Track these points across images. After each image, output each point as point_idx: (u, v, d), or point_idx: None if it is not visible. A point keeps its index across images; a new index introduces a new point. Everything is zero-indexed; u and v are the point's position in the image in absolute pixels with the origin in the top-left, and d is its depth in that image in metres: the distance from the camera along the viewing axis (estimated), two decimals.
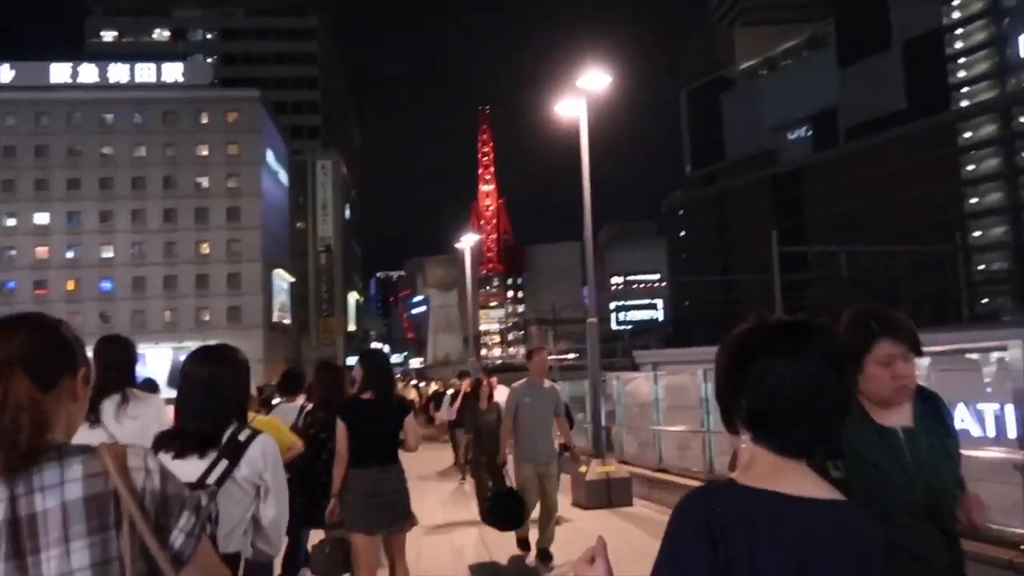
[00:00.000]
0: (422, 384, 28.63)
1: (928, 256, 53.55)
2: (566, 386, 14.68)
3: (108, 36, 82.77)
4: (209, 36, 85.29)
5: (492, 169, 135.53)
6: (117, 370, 3.39)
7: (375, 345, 76.86)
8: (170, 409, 4.42)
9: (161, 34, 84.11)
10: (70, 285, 55.08)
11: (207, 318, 55.44)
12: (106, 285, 55.49)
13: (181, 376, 2.55)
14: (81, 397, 1.39)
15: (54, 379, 1.33)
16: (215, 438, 2.38)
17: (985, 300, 63.81)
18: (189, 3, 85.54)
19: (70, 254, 55.24)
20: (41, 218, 54.96)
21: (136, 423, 3.25)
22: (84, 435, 3.29)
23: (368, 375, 4.55)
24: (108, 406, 3.25)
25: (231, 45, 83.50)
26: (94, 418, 3.16)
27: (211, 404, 2.43)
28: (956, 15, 72.59)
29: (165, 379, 55.86)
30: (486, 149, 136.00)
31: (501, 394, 9.30)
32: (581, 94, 9.43)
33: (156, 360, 53.43)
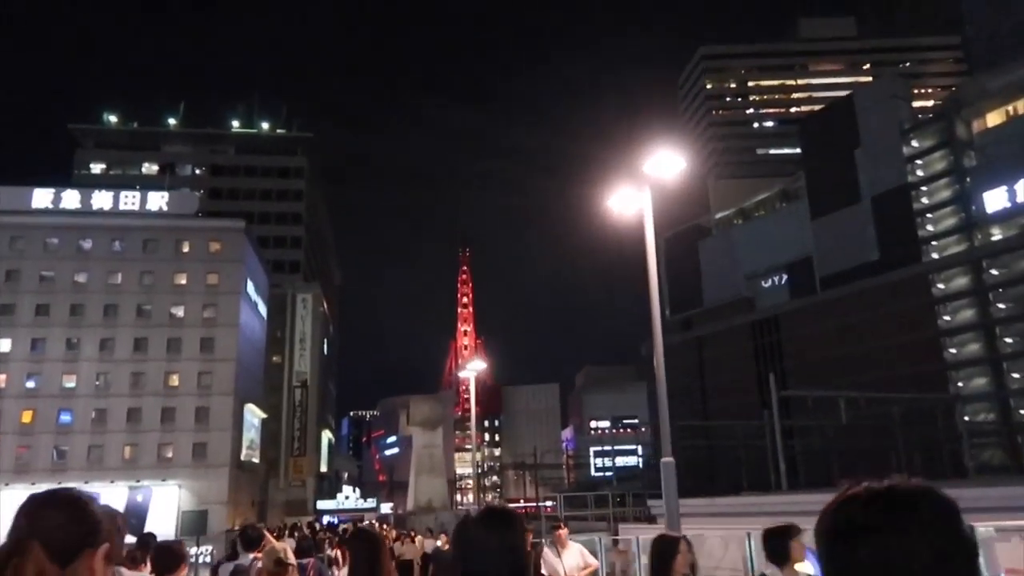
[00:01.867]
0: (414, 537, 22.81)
1: (915, 406, 52.85)
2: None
3: (96, 168, 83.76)
4: (198, 172, 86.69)
5: (471, 309, 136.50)
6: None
7: (346, 489, 72.78)
8: None
9: (150, 168, 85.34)
10: (26, 416, 51.81)
11: (170, 455, 52.08)
12: (65, 417, 52.32)
13: (471, 540, 2.60)
14: (99, 572, 1.47)
15: (73, 556, 1.40)
16: None
17: (973, 452, 62.64)
18: (180, 139, 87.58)
19: (30, 383, 52.40)
20: (3, 344, 52.56)
21: None
22: None
23: (459, 555, 3.60)
24: None
25: (219, 181, 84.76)
26: None
27: (506, 569, 2.45)
28: (920, 173, 76.04)
29: None
30: (465, 290, 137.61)
31: (572, 557, 6.98)
32: (645, 184, 8.55)
33: (110, 500, 49.32)
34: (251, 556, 6.19)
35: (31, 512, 1.41)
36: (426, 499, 31.47)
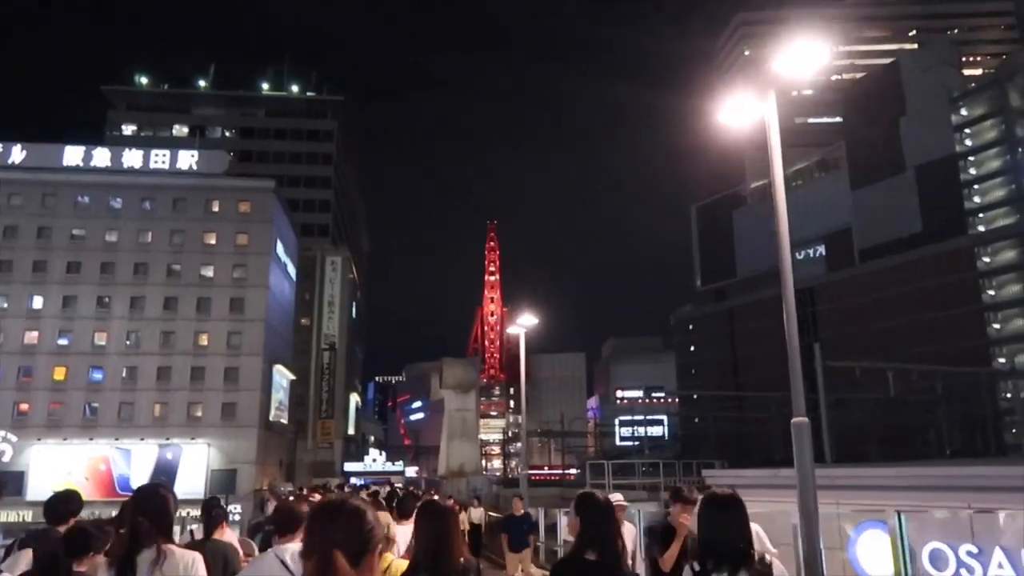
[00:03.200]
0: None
1: (955, 381, 51.23)
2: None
3: (128, 130, 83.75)
4: (228, 134, 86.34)
5: (498, 277, 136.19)
6: (152, 523, 3.43)
7: (373, 452, 72.97)
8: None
9: (180, 130, 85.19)
10: (58, 373, 52.13)
11: (199, 414, 52.14)
12: (96, 374, 52.57)
13: (708, 519, 3.18)
14: (376, 569, 1.88)
15: (361, 558, 1.80)
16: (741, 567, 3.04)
17: (1014, 431, 60.89)
18: (210, 102, 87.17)
19: (62, 340, 52.64)
20: (36, 301, 52.75)
21: None
22: None
23: (589, 529, 3.53)
24: (144, 561, 3.33)
25: (248, 143, 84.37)
26: (130, 574, 3.30)
27: (734, 544, 3.07)
28: (969, 143, 73.31)
29: (148, 478, 51.80)
30: (492, 257, 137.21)
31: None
32: (767, 89, 7.40)
33: (141, 457, 49.90)
34: None
35: (326, 522, 1.80)
36: (458, 464, 30.89)
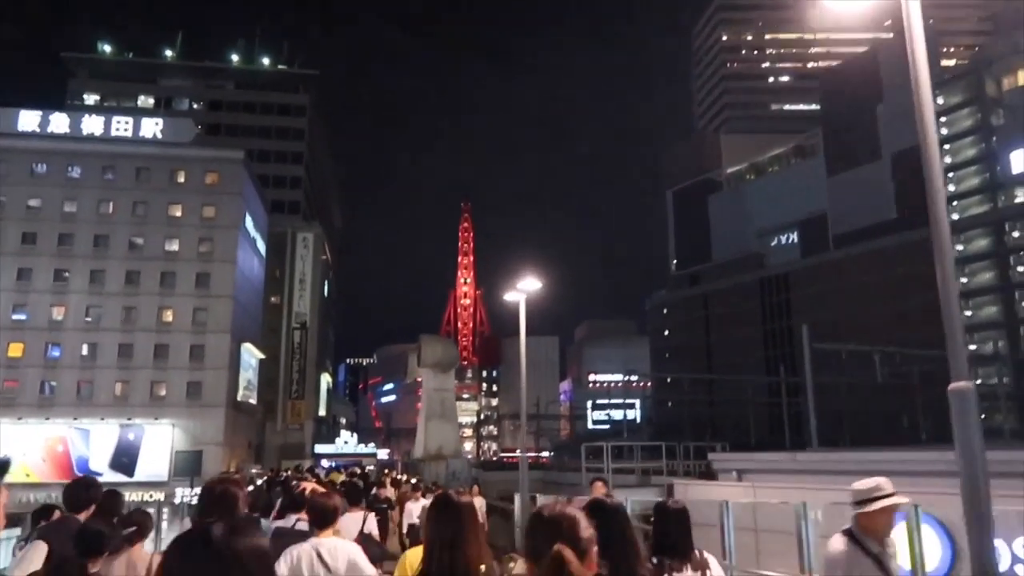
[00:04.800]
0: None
1: (928, 367, 51.28)
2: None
3: (90, 100, 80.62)
4: (196, 106, 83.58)
5: (471, 258, 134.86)
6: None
7: (344, 434, 71.55)
8: None
9: (145, 101, 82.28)
10: (13, 350, 49.80)
11: (163, 393, 50.27)
12: (54, 352, 50.37)
13: (666, 527, 3.92)
14: (593, 570, 2.17)
15: (582, 559, 1.97)
16: None
17: (983, 416, 61.40)
18: (178, 72, 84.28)
19: (18, 316, 50.27)
20: None
21: None
22: None
23: (604, 540, 2.68)
24: None
25: (217, 116, 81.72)
26: None
27: (685, 544, 3.90)
28: (945, 131, 73.42)
29: (108, 460, 49.77)
30: (467, 237, 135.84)
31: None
32: None
33: (101, 438, 48.06)
34: (295, 518, 5.72)
35: (552, 532, 2.01)
36: (436, 446, 29.70)
